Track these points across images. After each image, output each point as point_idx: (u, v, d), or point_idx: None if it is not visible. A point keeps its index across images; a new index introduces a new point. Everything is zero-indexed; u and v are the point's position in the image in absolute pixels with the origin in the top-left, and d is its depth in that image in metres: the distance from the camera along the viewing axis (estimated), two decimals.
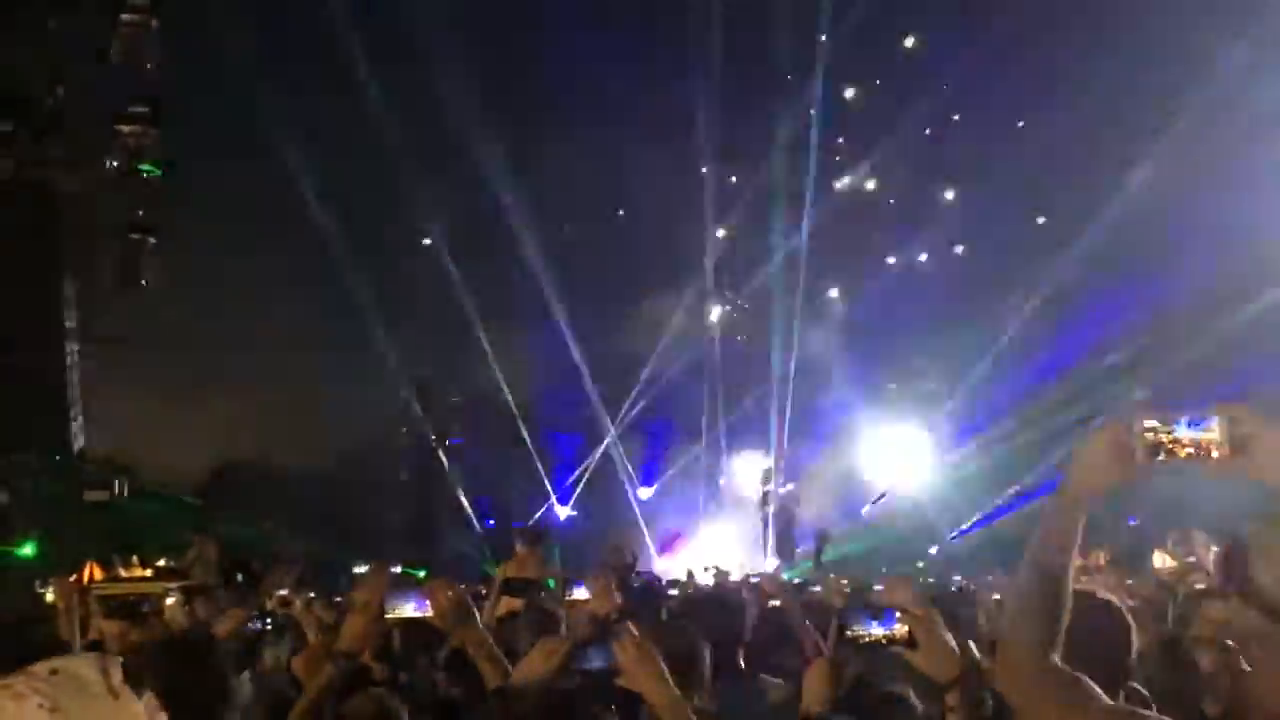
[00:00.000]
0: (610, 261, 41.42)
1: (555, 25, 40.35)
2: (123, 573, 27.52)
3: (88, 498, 25.38)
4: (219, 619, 7.30)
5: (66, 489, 25.28)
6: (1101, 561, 29.23)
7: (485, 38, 40.86)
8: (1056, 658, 2.24)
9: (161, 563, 27.83)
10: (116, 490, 26.41)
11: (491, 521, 40.08)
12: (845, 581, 15.33)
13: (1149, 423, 2.24)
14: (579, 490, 42.55)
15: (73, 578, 17.89)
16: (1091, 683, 2.18)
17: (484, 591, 11.09)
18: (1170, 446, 2.21)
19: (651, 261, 42.46)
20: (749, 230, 44.41)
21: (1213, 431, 2.19)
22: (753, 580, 14.03)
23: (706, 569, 24.09)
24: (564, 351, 40.88)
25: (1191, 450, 2.19)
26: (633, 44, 40.48)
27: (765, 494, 42.19)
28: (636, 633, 3.64)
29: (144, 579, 26.16)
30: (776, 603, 8.29)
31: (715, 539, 41.80)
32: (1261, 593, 1.80)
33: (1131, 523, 25.01)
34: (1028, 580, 2.28)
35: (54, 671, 2.44)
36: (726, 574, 29.18)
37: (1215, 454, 2.20)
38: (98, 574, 25.68)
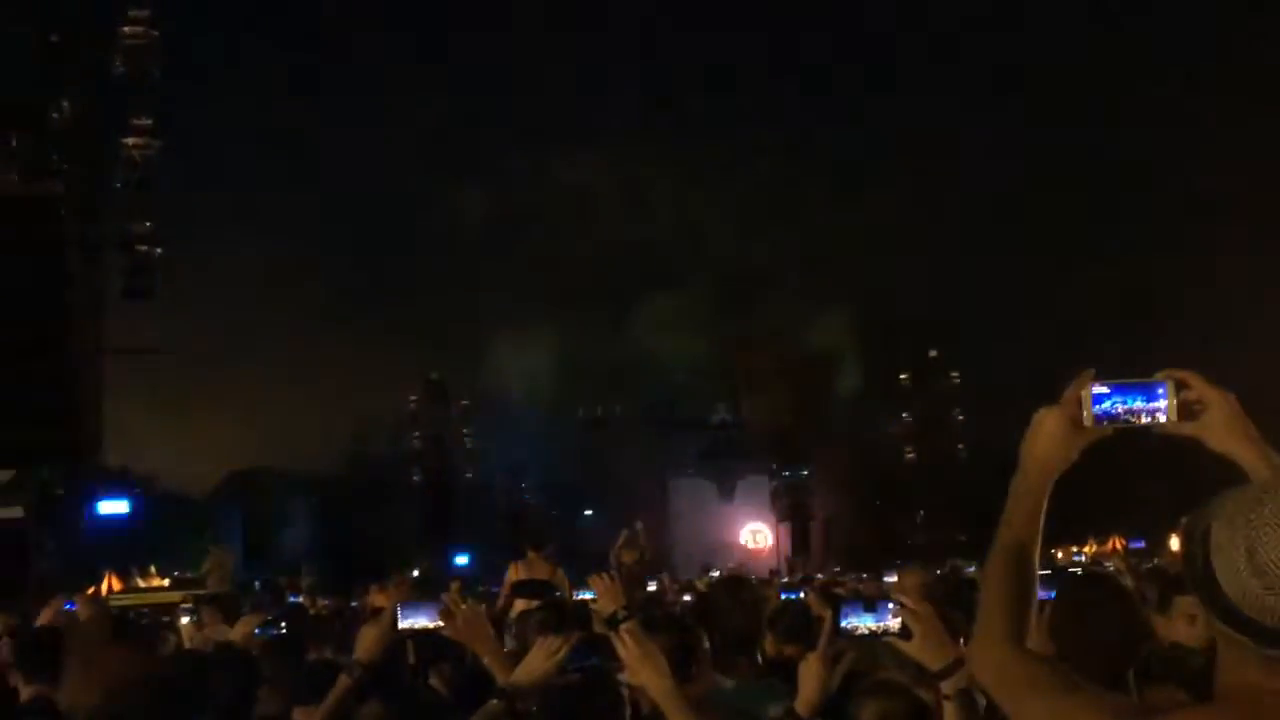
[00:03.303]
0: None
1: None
2: (140, 583, 27.62)
3: (104, 509, 25.44)
4: (236, 625, 7.29)
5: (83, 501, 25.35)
6: (1119, 546, 29.30)
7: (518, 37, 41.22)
8: (1030, 645, 2.19)
9: (177, 572, 27.89)
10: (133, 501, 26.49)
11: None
12: (865, 575, 15.39)
13: (1095, 390, 2.21)
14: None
15: (91, 589, 17.95)
16: (1068, 670, 2.16)
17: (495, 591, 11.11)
18: (1119, 414, 2.19)
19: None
20: None
21: (1160, 398, 2.19)
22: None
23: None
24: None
25: (1140, 416, 2.18)
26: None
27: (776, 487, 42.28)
28: (638, 629, 3.67)
29: (161, 589, 26.29)
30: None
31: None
32: (1222, 596, 1.77)
33: None
34: (995, 567, 2.24)
35: None
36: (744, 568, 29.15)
37: (1163, 419, 2.21)
38: (116, 585, 25.77)
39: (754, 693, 4.80)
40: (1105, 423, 2.19)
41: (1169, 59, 39.09)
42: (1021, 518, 2.25)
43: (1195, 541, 1.94)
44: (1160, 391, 2.18)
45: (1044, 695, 2.05)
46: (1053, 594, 3.85)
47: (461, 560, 36.74)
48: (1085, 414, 2.19)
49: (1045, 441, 2.24)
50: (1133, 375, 2.19)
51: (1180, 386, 2.17)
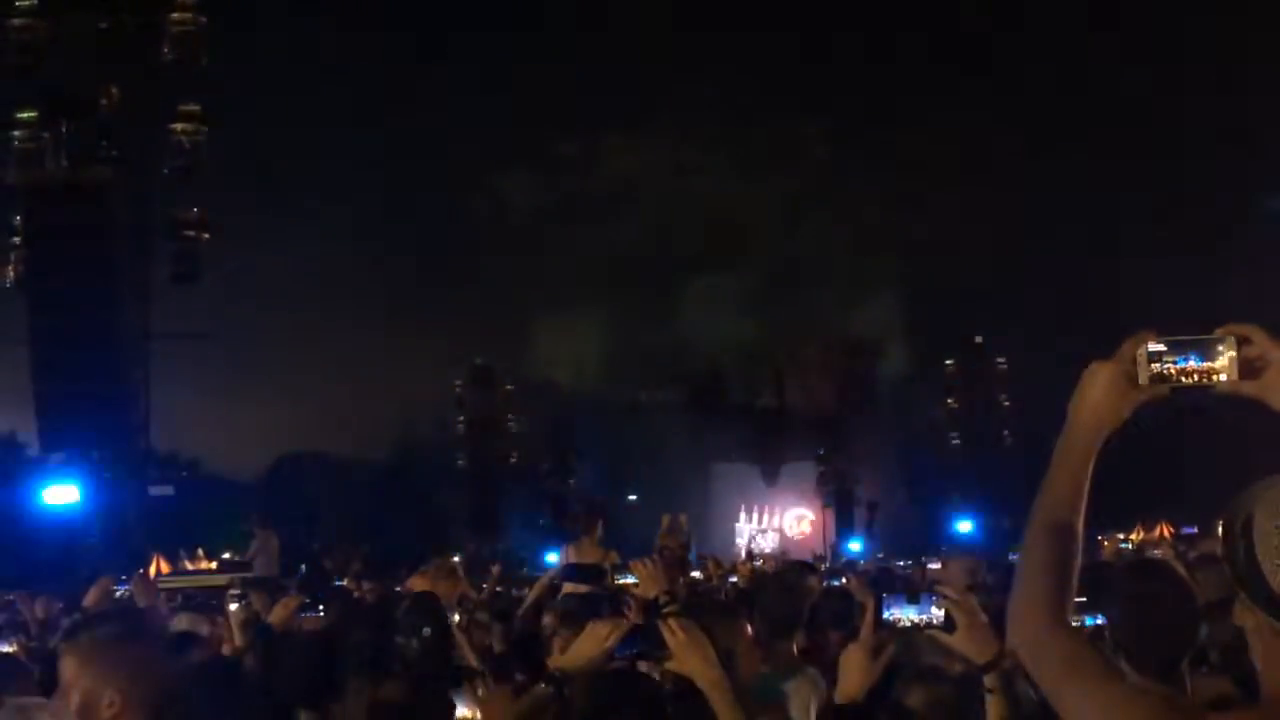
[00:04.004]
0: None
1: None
2: (188, 565, 27.85)
3: (152, 492, 25.71)
4: (275, 608, 7.30)
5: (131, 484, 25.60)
6: (1166, 534, 28.99)
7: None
8: (1069, 619, 2.08)
9: (226, 555, 28.11)
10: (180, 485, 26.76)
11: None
12: (902, 563, 15.33)
13: (1152, 347, 2.09)
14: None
15: (140, 571, 18.15)
16: (1107, 653, 2.07)
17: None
18: (1174, 373, 2.05)
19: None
20: None
21: (1220, 355, 2.06)
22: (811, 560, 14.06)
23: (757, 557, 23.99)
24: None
25: (1198, 375, 2.04)
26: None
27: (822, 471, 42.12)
28: (684, 615, 3.66)
29: (209, 572, 26.52)
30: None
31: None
32: (1266, 589, 1.67)
33: None
34: (1035, 533, 2.11)
35: None
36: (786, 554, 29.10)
37: (1223, 377, 2.05)
38: (164, 567, 26.01)
39: (784, 680, 4.78)
40: (1161, 382, 2.07)
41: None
42: (1065, 481, 2.11)
43: (1237, 531, 1.86)
44: (1220, 348, 2.04)
45: (1082, 678, 1.95)
46: (1096, 619, 3.73)
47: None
48: (1140, 372, 2.07)
49: (1095, 398, 2.08)
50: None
51: (1242, 342, 2.04)
